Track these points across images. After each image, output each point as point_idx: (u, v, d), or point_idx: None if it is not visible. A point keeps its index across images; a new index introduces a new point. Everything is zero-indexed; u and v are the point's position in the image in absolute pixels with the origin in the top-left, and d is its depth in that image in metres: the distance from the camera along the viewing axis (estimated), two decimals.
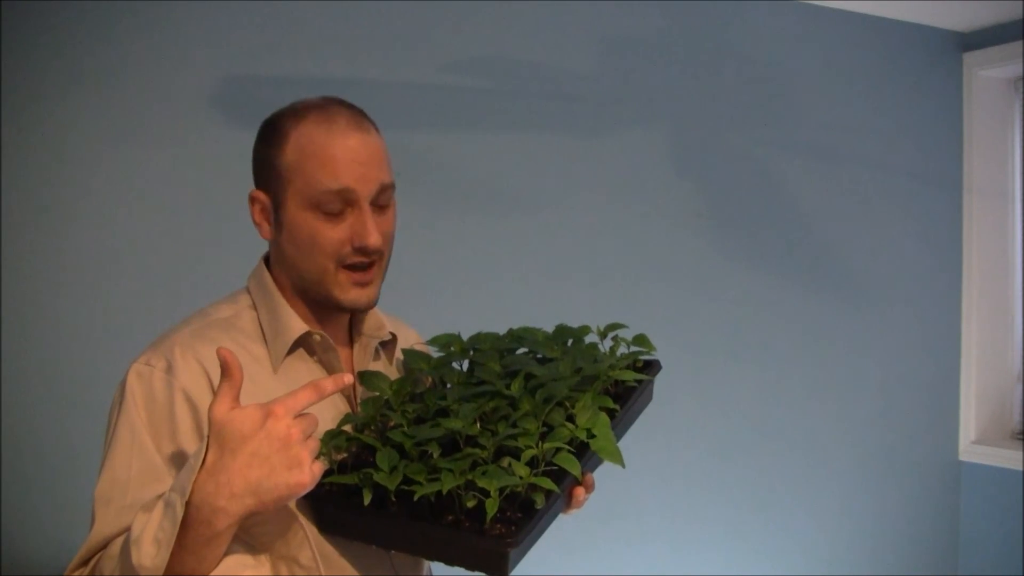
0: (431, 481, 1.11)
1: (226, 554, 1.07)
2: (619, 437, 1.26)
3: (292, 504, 1.16)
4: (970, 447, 3.41)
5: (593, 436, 1.19)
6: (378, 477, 1.12)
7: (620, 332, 1.38)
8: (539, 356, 1.34)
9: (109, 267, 2.21)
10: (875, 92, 3.28)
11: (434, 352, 1.37)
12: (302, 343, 1.27)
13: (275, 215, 1.25)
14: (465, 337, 1.37)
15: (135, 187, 2.24)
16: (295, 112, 1.25)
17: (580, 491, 1.22)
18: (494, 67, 2.68)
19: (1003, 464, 3.29)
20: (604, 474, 1.32)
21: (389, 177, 1.26)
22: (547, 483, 1.12)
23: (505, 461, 1.14)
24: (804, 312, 3.14)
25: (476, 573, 1.11)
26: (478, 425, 1.19)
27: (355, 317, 1.36)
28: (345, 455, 1.20)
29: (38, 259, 2.15)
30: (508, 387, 1.23)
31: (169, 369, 1.18)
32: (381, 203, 1.25)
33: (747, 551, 3.04)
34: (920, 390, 3.37)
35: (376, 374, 1.28)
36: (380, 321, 1.37)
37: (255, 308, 1.29)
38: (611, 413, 1.25)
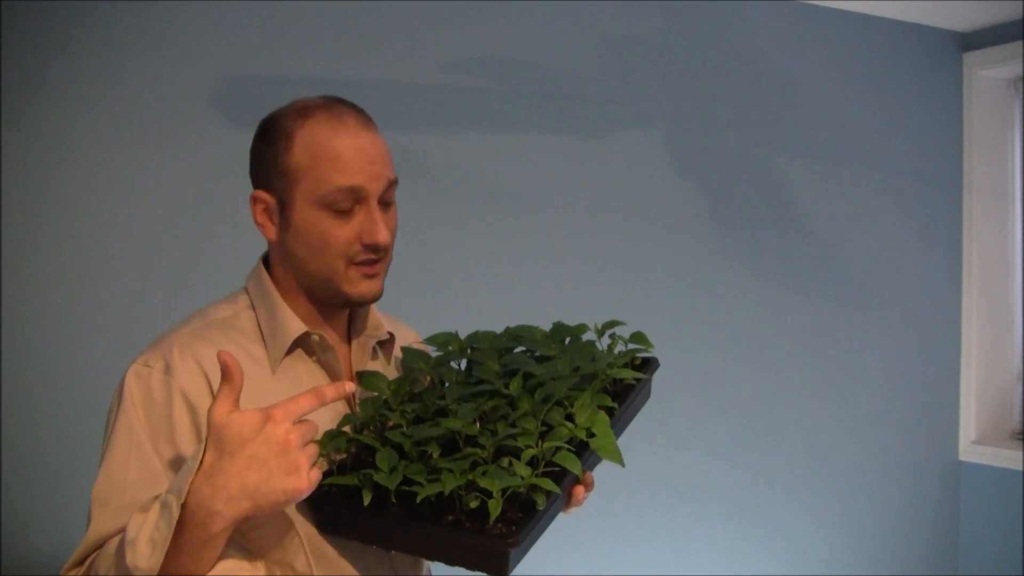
0: (431, 481, 1.11)
1: (221, 558, 1.07)
2: (618, 435, 1.26)
3: (289, 509, 1.16)
4: (970, 447, 3.41)
5: (592, 435, 1.19)
6: (378, 477, 1.11)
7: (617, 330, 1.38)
8: (537, 355, 1.34)
9: (109, 267, 2.21)
10: (875, 92, 3.28)
11: (432, 351, 1.37)
12: (301, 343, 1.27)
13: (281, 215, 1.25)
14: (463, 336, 1.37)
15: (135, 187, 2.24)
16: (299, 112, 1.25)
17: (580, 490, 1.22)
18: (494, 67, 2.68)
19: (1003, 464, 3.29)
20: (604, 474, 1.32)
21: (394, 174, 1.27)
22: (548, 484, 1.12)
23: (505, 461, 1.14)
24: (804, 312, 3.14)
25: (477, 573, 1.11)
26: (477, 425, 1.19)
27: (353, 317, 1.36)
28: (344, 456, 1.20)
29: (38, 259, 2.15)
30: (507, 386, 1.23)
31: (167, 370, 1.18)
32: (386, 200, 1.26)
33: (747, 551, 3.04)
34: (920, 390, 3.37)
35: (375, 374, 1.28)
36: (378, 321, 1.37)
37: (253, 308, 1.29)
38: (610, 411, 1.25)
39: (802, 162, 3.14)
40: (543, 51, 2.74)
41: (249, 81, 2.35)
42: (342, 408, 1.28)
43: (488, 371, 1.27)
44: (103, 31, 2.21)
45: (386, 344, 1.39)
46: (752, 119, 3.06)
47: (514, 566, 1.08)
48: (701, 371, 2.96)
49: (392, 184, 1.26)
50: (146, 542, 1.00)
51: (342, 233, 1.22)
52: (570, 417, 1.21)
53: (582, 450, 1.19)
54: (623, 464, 1.20)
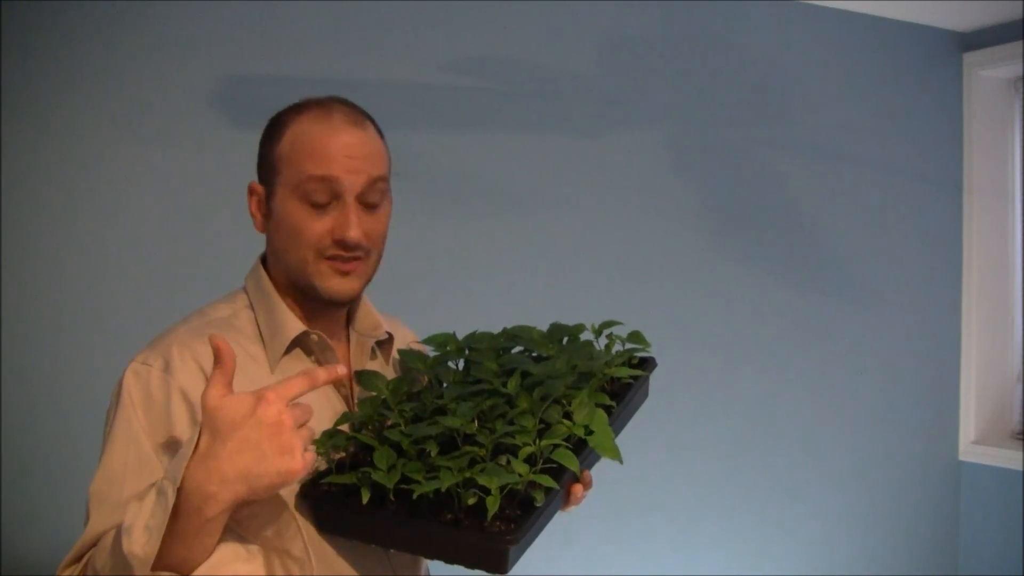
0: (429, 479, 1.11)
1: (218, 545, 1.06)
2: (616, 434, 1.26)
3: (285, 495, 1.16)
4: (970, 447, 3.41)
5: (591, 433, 1.19)
6: (376, 476, 1.12)
7: (615, 329, 1.38)
8: (535, 355, 1.34)
9: (109, 267, 2.21)
10: (875, 92, 3.28)
11: (430, 351, 1.37)
12: (299, 343, 1.28)
13: (267, 205, 1.27)
14: (461, 336, 1.37)
15: (135, 187, 2.24)
16: (296, 108, 1.28)
17: (578, 488, 1.22)
18: (494, 67, 2.68)
19: (1003, 464, 3.29)
20: (604, 474, 1.32)
21: (380, 171, 1.26)
22: (547, 480, 1.12)
23: (503, 459, 1.14)
24: (804, 312, 3.14)
25: (476, 571, 1.11)
26: (475, 423, 1.19)
27: (351, 316, 1.36)
28: (343, 455, 1.20)
29: (38, 259, 2.15)
30: (504, 385, 1.23)
31: (167, 368, 1.18)
32: (371, 201, 1.25)
33: (747, 551, 3.04)
34: (920, 390, 3.37)
35: (373, 373, 1.29)
36: (376, 320, 1.37)
37: (252, 308, 1.30)
38: (608, 410, 1.25)
39: (802, 162, 3.14)
40: (543, 51, 2.74)
41: (249, 81, 2.35)
42: (341, 407, 1.28)
43: (486, 371, 1.27)
44: (103, 31, 2.21)
45: (384, 344, 1.39)
46: (752, 119, 3.06)
47: (513, 563, 1.08)
48: (701, 371, 2.96)
49: (375, 182, 1.24)
50: (142, 529, 1.00)
51: (315, 225, 1.22)
52: (568, 415, 1.21)
53: (580, 448, 1.19)
54: (621, 461, 1.20)
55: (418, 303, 2.12)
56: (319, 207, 1.22)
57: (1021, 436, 3.42)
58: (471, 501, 1.11)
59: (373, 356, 1.38)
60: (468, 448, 1.14)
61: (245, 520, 1.13)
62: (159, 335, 1.25)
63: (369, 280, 1.30)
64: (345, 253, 1.23)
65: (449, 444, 1.17)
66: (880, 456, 3.28)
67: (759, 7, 3.06)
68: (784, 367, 3.11)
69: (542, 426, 1.19)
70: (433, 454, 1.15)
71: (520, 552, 1.10)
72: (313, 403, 1.10)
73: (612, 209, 2.84)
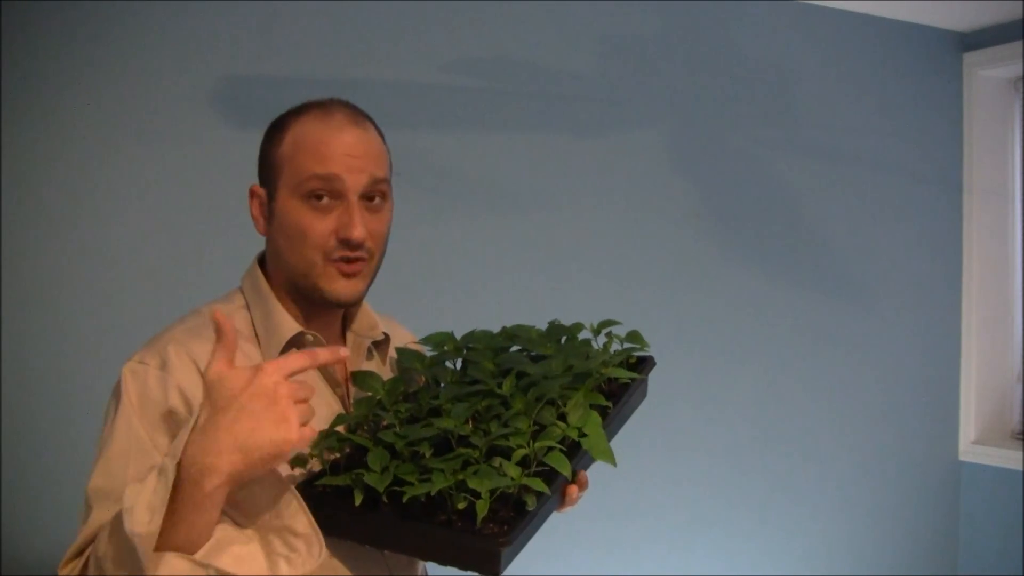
0: (422, 481, 1.11)
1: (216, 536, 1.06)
2: (613, 434, 1.26)
3: (284, 477, 1.15)
4: (970, 447, 3.41)
5: (584, 435, 1.19)
6: (368, 478, 1.12)
7: (613, 329, 1.38)
8: (532, 354, 1.34)
9: (109, 267, 2.22)
10: (875, 92, 3.28)
11: (427, 351, 1.37)
12: (295, 343, 1.28)
13: (268, 207, 1.27)
14: (460, 336, 1.37)
15: (135, 187, 2.24)
16: (297, 110, 1.29)
17: (573, 489, 1.22)
18: (494, 67, 2.69)
19: (1003, 464, 3.29)
20: (603, 475, 1.32)
21: (382, 172, 1.26)
22: (538, 484, 1.12)
23: (496, 461, 1.14)
24: (804, 312, 3.14)
25: (469, 573, 1.11)
26: (470, 425, 1.19)
27: (348, 317, 1.36)
28: (338, 455, 1.20)
29: (38, 259, 2.16)
30: (500, 386, 1.23)
31: (163, 366, 1.19)
32: (373, 201, 1.26)
33: (747, 551, 3.04)
34: (920, 390, 3.37)
35: (369, 374, 1.29)
36: (373, 321, 1.38)
37: (248, 308, 1.30)
38: (604, 410, 1.25)
39: (802, 162, 3.14)
40: (543, 51, 2.74)
41: (249, 81, 2.36)
42: (337, 407, 1.28)
43: (483, 371, 1.27)
44: (103, 31, 2.21)
45: (381, 344, 1.40)
46: (752, 119, 3.06)
47: (506, 566, 1.08)
48: (700, 371, 2.96)
49: (378, 181, 1.25)
50: (144, 508, 1.00)
51: (319, 226, 1.22)
52: (563, 417, 1.21)
53: (575, 450, 1.19)
54: (615, 464, 1.20)
55: (418, 303, 2.13)
56: (322, 207, 1.22)
57: (1021, 436, 3.41)
58: (461, 505, 1.10)
59: (370, 356, 1.38)
60: (462, 450, 1.14)
61: (244, 504, 1.10)
62: (156, 335, 1.26)
63: (372, 282, 1.30)
64: (350, 253, 1.23)
65: (444, 445, 1.17)
66: (880, 456, 3.28)
67: (759, 7, 3.06)
68: (784, 367, 3.11)
69: (536, 428, 1.19)
70: (427, 455, 1.15)
71: (513, 554, 1.10)
72: (311, 403, 1.10)
73: (612, 209, 2.84)
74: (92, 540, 1.12)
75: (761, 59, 3.08)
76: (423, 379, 1.35)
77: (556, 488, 1.16)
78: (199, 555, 1.02)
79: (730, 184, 3.03)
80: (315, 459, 1.20)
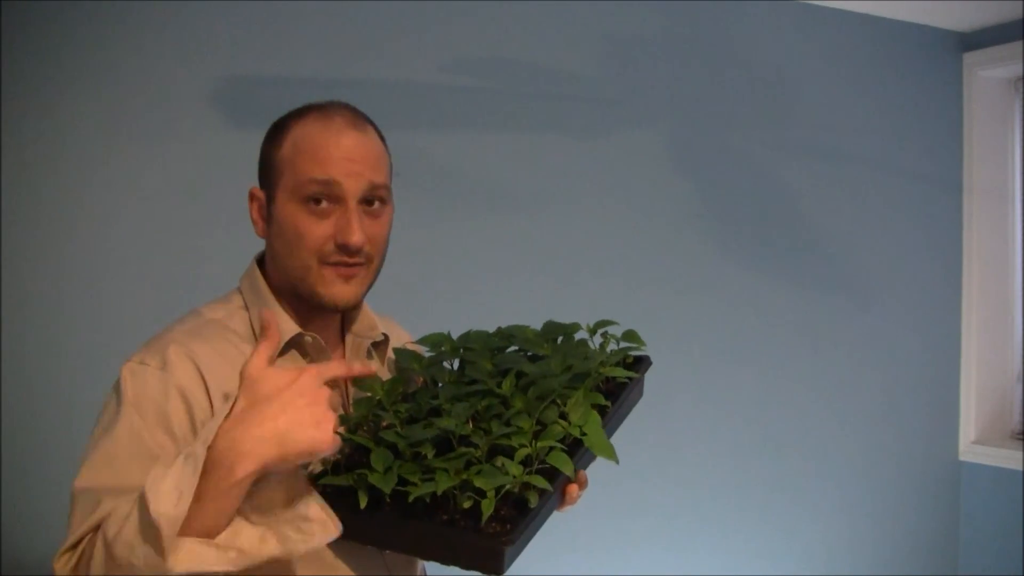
0: (425, 481, 1.11)
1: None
2: (612, 433, 1.26)
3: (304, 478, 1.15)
4: (970, 447, 3.41)
5: (586, 433, 1.19)
6: (373, 478, 1.12)
7: (610, 328, 1.38)
8: (529, 354, 1.34)
9: (109, 267, 2.22)
10: (875, 92, 3.28)
11: (425, 351, 1.37)
12: (294, 344, 1.28)
13: (267, 209, 1.27)
14: (456, 336, 1.37)
15: (135, 187, 2.25)
16: (298, 113, 1.28)
17: (573, 488, 1.22)
18: (494, 67, 2.69)
19: (1003, 464, 3.29)
20: (603, 474, 1.32)
21: (382, 178, 1.26)
22: (541, 482, 1.12)
23: (499, 461, 1.14)
24: (804, 312, 3.14)
25: (471, 572, 1.11)
26: (471, 424, 1.19)
27: (347, 318, 1.36)
28: (338, 456, 1.20)
29: (38, 259, 2.16)
30: (499, 386, 1.23)
31: (163, 366, 1.19)
32: (372, 206, 1.26)
33: (747, 551, 3.04)
34: (920, 390, 3.37)
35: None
36: (372, 321, 1.38)
37: (247, 309, 1.30)
38: (603, 409, 1.25)
39: (802, 162, 3.14)
40: (543, 51, 2.74)
41: (249, 81, 2.36)
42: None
43: (481, 371, 1.27)
44: (103, 31, 2.22)
45: (380, 345, 1.39)
46: (752, 119, 3.06)
47: (509, 564, 1.08)
48: (700, 371, 2.96)
49: (378, 188, 1.25)
50: (172, 489, 1.00)
51: (316, 230, 1.22)
52: (564, 415, 1.21)
53: (576, 448, 1.19)
54: (617, 461, 1.20)
55: (417, 303, 2.12)
56: (320, 211, 1.22)
57: (1021, 436, 3.42)
58: (467, 504, 1.11)
59: (369, 357, 1.38)
60: (464, 450, 1.14)
61: (258, 497, 1.09)
62: (155, 335, 1.26)
63: (371, 286, 1.30)
64: (348, 259, 1.23)
65: (445, 445, 1.17)
66: (880, 456, 3.28)
67: (759, 7, 3.06)
68: (784, 367, 3.11)
69: (538, 427, 1.19)
70: (429, 456, 1.15)
71: (516, 553, 1.10)
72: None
73: (612, 209, 2.84)
74: (91, 530, 1.11)
75: (761, 59, 3.08)
76: (421, 380, 1.35)
77: (558, 486, 1.17)
78: (220, 539, 1.03)
79: (730, 184, 3.03)
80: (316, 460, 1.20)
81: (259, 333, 1.09)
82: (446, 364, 1.34)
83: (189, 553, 1.00)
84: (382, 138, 1.31)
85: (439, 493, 1.10)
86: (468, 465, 1.13)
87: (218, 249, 2.25)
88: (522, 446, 1.15)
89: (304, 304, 1.29)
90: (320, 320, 1.31)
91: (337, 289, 1.25)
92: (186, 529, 1.01)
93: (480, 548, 1.08)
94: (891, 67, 3.31)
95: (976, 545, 3.38)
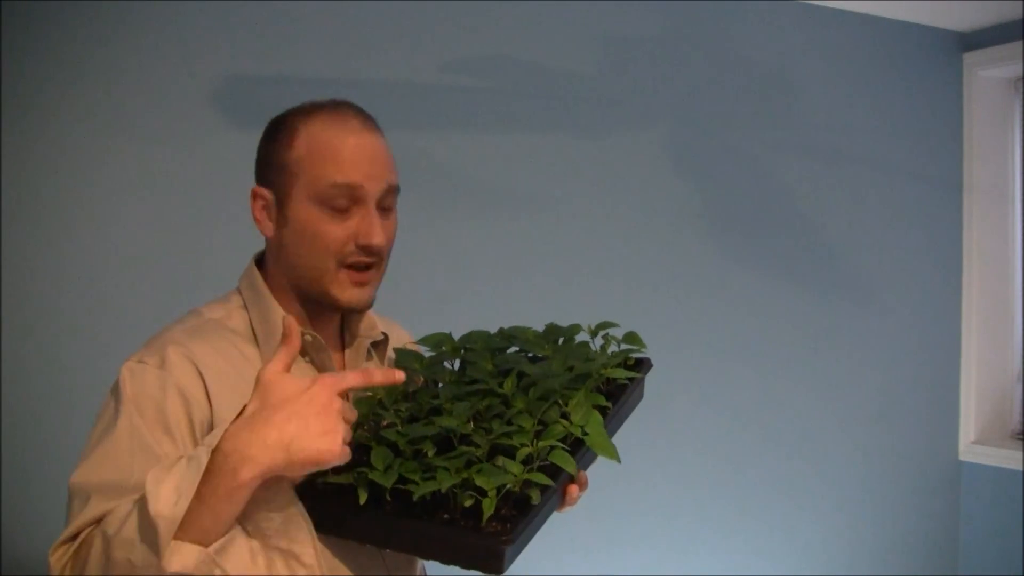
0: (426, 480, 1.11)
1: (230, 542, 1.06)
2: (612, 433, 1.26)
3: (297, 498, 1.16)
4: (970, 447, 3.41)
5: (587, 433, 1.20)
6: (373, 476, 1.12)
7: (610, 331, 1.38)
8: (530, 355, 1.34)
9: (109, 267, 2.22)
10: (875, 92, 3.28)
11: (425, 352, 1.37)
12: None
13: (279, 210, 1.26)
14: (457, 336, 1.37)
15: (135, 187, 2.24)
16: (305, 110, 1.28)
17: (574, 488, 1.22)
18: (494, 67, 2.69)
19: (1003, 464, 3.29)
20: (605, 475, 1.32)
21: (395, 179, 1.28)
22: (542, 478, 1.12)
23: (499, 460, 1.14)
24: (804, 312, 3.14)
25: (471, 572, 1.11)
26: (472, 423, 1.19)
27: (347, 317, 1.37)
28: None
29: (38, 259, 2.16)
30: (500, 386, 1.24)
31: (162, 365, 1.19)
32: (385, 206, 1.27)
33: (747, 552, 3.04)
34: (920, 390, 3.37)
35: None
36: (372, 321, 1.38)
37: (246, 309, 1.30)
38: (604, 411, 1.25)
39: (802, 162, 3.14)
40: (543, 51, 2.74)
41: (249, 81, 2.36)
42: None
43: (482, 371, 1.27)
44: (103, 31, 2.22)
45: (380, 345, 1.40)
46: (752, 119, 3.07)
47: (509, 564, 1.08)
48: (700, 372, 2.96)
49: (392, 190, 1.27)
50: (172, 490, 1.01)
51: (336, 231, 1.23)
52: (565, 416, 1.21)
53: (577, 448, 1.19)
54: (619, 460, 1.21)
55: (417, 303, 2.13)
56: (339, 212, 1.23)
57: (1021, 436, 3.42)
58: (468, 503, 1.11)
59: (369, 357, 1.38)
60: (465, 448, 1.15)
61: (251, 508, 1.10)
62: (154, 335, 1.26)
63: (379, 284, 1.31)
64: (367, 259, 1.25)
65: (445, 444, 1.18)
66: (880, 456, 3.28)
67: (759, 7, 3.06)
68: (784, 367, 3.11)
69: (540, 427, 1.19)
70: (430, 454, 1.15)
71: (516, 552, 1.10)
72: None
73: (612, 209, 2.84)
74: (91, 523, 1.11)
75: (761, 59, 3.08)
76: (421, 379, 1.35)
77: (559, 485, 1.17)
78: (212, 548, 1.03)
79: (730, 184, 3.03)
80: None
81: (281, 338, 1.09)
82: (447, 364, 1.34)
83: (182, 555, 1.01)
84: (384, 137, 1.31)
85: (443, 490, 1.10)
86: (468, 464, 1.13)
87: (218, 249, 2.26)
88: (523, 445, 1.15)
89: (306, 303, 1.29)
90: (320, 320, 1.31)
91: (352, 293, 1.26)
92: (187, 529, 1.01)
93: (480, 547, 1.08)
94: (891, 67, 3.31)
95: (976, 545, 3.38)
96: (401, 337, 1.48)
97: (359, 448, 1.20)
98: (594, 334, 1.38)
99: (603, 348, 1.36)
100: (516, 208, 2.71)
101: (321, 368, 1.29)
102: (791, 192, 3.12)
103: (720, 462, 3.00)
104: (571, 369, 1.27)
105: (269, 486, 1.07)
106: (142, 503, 1.01)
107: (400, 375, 1.14)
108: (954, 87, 3.43)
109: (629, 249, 2.86)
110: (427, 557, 1.16)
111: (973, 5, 3.14)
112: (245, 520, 1.10)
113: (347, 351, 1.36)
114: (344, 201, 1.23)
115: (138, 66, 2.25)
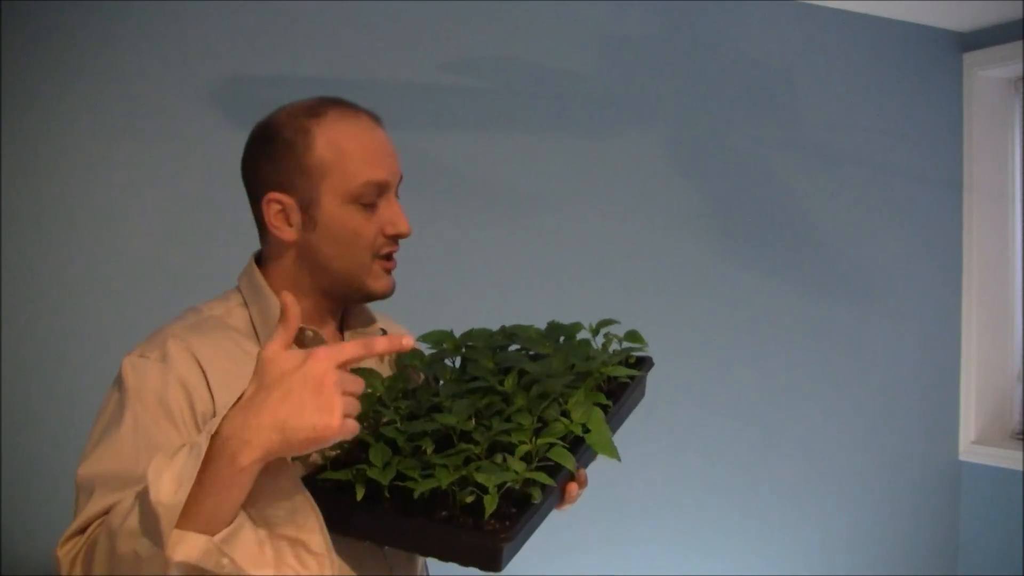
0: (425, 477, 1.11)
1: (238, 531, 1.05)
2: (613, 432, 1.26)
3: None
4: (970, 447, 3.41)
5: (588, 431, 1.20)
6: (371, 473, 1.12)
7: (611, 328, 1.38)
8: (531, 353, 1.34)
9: (110, 266, 2.22)
10: (875, 92, 3.28)
11: (426, 349, 1.38)
12: (295, 340, 1.27)
13: (305, 214, 1.27)
14: (458, 334, 1.37)
15: (135, 187, 2.25)
16: (309, 111, 1.28)
17: (573, 487, 1.22)
18: (494, 67, 2.69)
19: (1003, 464, 3.29)
20: (605, 474, 1.32)
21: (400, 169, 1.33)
22: (543, 477, 1.12)
23: (499, 457, 1.14)
24: (804, 312, 3.14)
25: (471, 569, 1.11)
26: (472, 421, 1.19)
27: (347, 314, 1.37)
28: (338, 451, 1.20)
29: (38, 259, 2.16)
30: (501, 383, 1.24)
31: (164, 359, 1.20)
32: (397, 196, 1.32)
33: (747, 552, 3.04)
34: (920, 390, 3.37)
35: (369, 371, 1.29)
36: (371, 317, 1.40)
37: (246, 306, 1.31)
38: (604, 409, 1.25)
39: (802, 162, 3.14)
40: (543, 51, 2.74)
41: (249, 81, 2.36)
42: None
43: (482, 368, 1.27)
44: (103, 31, 2.22)
45: None
46: (752, 119, 3.07)
47: (507, 561, 1.08)
48: (701, 372, 2.96)
49: (401, 179, 1.32)
50: (172, 478, 0.98)
51: (370, 227, 1.27)
52: (565, 414, 1.21)
53: (577, 446, 1.19)
54: (619, 458, 1.21)
55: (417, 303, 2.12)
56: (369, 207, 1.27)
57: (1021, 436, 3.41)
58: (468, 500, 1.11)
59: None
60: (464, 446, 1.15)
61: (257, 495, 1.07)
62: (155, 331, 1.27)
63: None
64: (396, 247, 1.31)
65: (445, 442, 1.18)
66: (880, 456, 3.28)
67: (759, 7, 3.06)
68: (784, 367, 3.11)
69: (539, 424, 1.19)
70: (429, 451, 1.15)
71: (514, 550, 1.10)
72: None
73: (612, 209, 2.84)
74: (98, 516, 1.11)
75: (761, 59, 3.08)
76: (422, 377, 1.35)
77: (559, 483, 1.17)
78: (218, 537, 1.01)
79: (730, 184, 3.03)
80: (316, 454, 1.20)
81: (279, 318, 1.06)
82: (448, 362, 1.34)
83: (186, 544, 0.99)
84: None
85: (443, 487, 1.10)
86: (467, 461, 1.13)
87: (218, 248, 2.25)
88: (522, 443, 1.15)
89: (305, 300, 1.29)
90: (320, 316, 1.32)
91: (384, 281, 1.31)
92: (192, 518, 0.99)
93: (478, 545, 1.08)
94: (891, 67, 3.31)
95: (976, 545, 3.38)
96: (398, 333, 1.48)
97: (358, 445, 1.20)
98: (595, 332, 1.38)
99: (604, 346, 1.36)
100: (516, 208, 2.71)
101: None
102: (791, 192, 3.12)
103: (720, 462, 3.00)
104: (572, 367, 1.27)
105: (274, 473, 1.05)
106: (144, 493, 1.00)
107: (408, 340, 1.09)
108: (954, 87, 3.43)
109: (629, 248, 2.86)
110: (426, 554, 1.16)
111: (973, 5, 3.14)
112: (251, 509, 1.08)
113: None
114: (374, 197, 1.27)
115: (138, 66, 2.25)
